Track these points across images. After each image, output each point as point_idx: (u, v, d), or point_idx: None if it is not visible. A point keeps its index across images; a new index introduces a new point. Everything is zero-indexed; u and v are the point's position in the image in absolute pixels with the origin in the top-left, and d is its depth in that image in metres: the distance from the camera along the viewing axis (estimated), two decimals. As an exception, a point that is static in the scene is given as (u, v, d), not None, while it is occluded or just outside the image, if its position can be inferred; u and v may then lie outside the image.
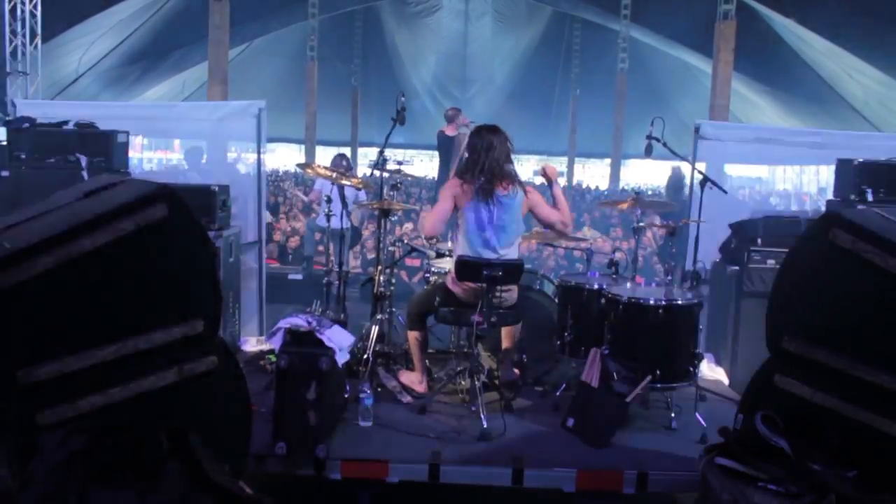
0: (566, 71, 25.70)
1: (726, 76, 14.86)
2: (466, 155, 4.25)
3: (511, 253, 4.17)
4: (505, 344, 4.40)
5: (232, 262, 5.02)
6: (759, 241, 4.80)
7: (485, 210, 4.08)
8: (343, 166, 7.71)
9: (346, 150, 22.78)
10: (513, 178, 4.15)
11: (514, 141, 4.23)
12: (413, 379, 4.42)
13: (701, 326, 4.22)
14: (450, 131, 8.46)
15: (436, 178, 9.93)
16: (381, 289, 4.82)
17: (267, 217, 7.17)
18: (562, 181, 24.24)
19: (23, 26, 10.94)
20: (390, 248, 5.09)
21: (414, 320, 4.31)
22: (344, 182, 5.14)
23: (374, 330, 4.63)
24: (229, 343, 3.83)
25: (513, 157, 4.21)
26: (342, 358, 3.63)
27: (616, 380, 3.84)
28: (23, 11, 10.94)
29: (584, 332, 4.33)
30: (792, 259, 3.05)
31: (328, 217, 5.16)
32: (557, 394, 4.34)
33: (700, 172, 5.02)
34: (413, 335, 4.33)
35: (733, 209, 5.58)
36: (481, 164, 4.10)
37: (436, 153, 9.13)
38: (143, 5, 16.31)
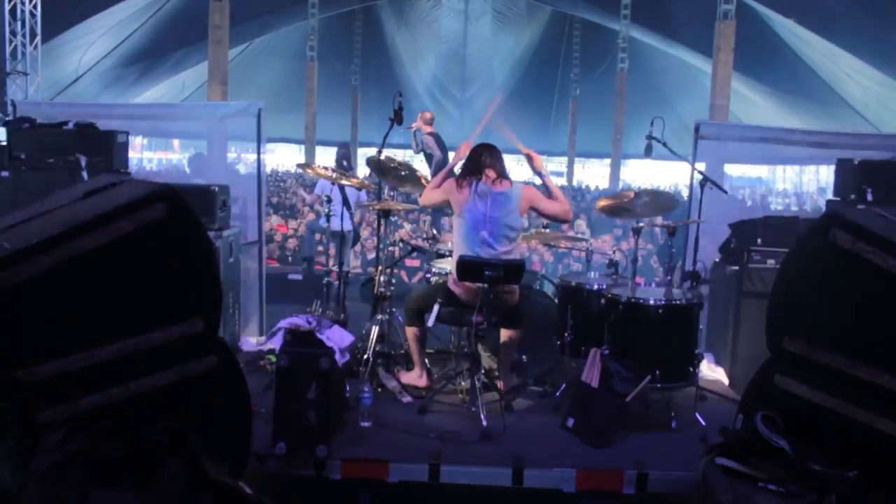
0: (566, 71, 25.70)
1: (726, 76, 14.86)
2: (463, 162, 4.35)
3: (512, 253, 4.17)
4: (503, 340, 4.38)
5: (232, 263, 5.02)
6: (759, 241, 4.79)
7: (481, 208, 4.10)
8: (345, 158, 7.73)
9: (346, 151, 22.78)
10: (507, 177, 4.23)
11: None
12: (413, 376, 4.42)
13: (701, 326, 4.22)
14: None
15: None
16: (381, 289, 4.82)
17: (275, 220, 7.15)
18: (560, 180, 24.28)
19: (23, 26, 10.96)
20: (390, 248, 5.08)
21: (412, 316, 4.30)
22: (344, 182, 5.14)
23: (375, 330, 4.63)
24: (229, 343, 3.82)
25: (507, 159, 4.32)
26: (342, 358, 3.64)
27: (616, 380, 3.84)
28: (23, 11, 10.96)
29: (584, 332, 4.33)
30: (792, 259, 3.04)
31: (328, 217, 5.15)
32: (557, 394, 4.34)
33: (700, 172, 5.02)
34: (412, 331, 4.32)
35: (733, 209, 5.57)
36: (477, 166, 4.20)
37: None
38: (143, 5, 16.34)
